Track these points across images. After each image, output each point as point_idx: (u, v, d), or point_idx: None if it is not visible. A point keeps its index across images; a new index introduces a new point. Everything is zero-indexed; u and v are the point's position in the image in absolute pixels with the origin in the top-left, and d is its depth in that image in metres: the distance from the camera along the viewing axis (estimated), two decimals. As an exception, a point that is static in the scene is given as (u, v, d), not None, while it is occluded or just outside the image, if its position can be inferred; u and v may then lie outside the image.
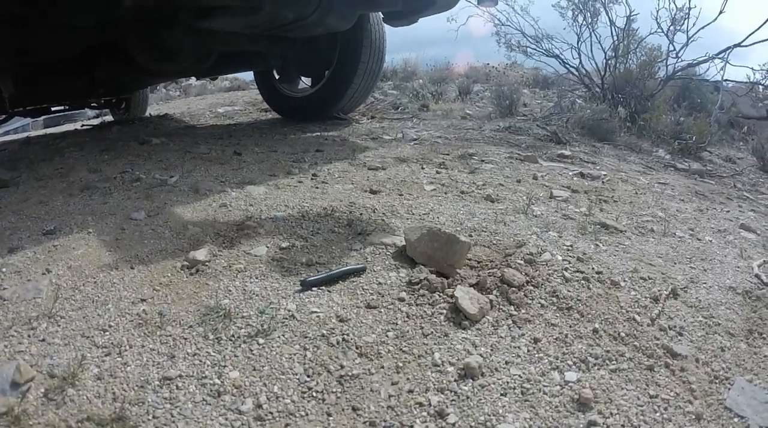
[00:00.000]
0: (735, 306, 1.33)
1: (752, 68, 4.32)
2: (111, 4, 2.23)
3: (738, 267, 1.60)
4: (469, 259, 1.32)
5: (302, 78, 3.99)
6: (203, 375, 0.95)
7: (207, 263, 1.30)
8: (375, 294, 1.15)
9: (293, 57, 3.70)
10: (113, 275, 1.27)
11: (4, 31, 2.44)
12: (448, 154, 2.80)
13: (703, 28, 3.94)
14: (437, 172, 2.32)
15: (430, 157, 2.67)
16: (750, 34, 3.71)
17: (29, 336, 1.08)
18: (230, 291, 1.17)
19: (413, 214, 1.68)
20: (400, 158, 2.61)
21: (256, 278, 1.23)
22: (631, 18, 4.08)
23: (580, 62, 4.50)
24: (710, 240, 1.82)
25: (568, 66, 4.62)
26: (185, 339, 1.04)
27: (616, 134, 3.83)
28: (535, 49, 4.67)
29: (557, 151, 3.13)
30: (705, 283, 1.42)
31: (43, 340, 1.06)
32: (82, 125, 5.00)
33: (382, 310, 1.10)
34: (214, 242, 1.44)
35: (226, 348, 1.00)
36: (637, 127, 3.99)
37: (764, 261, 1.69)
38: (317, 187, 2.00)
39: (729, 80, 4.16)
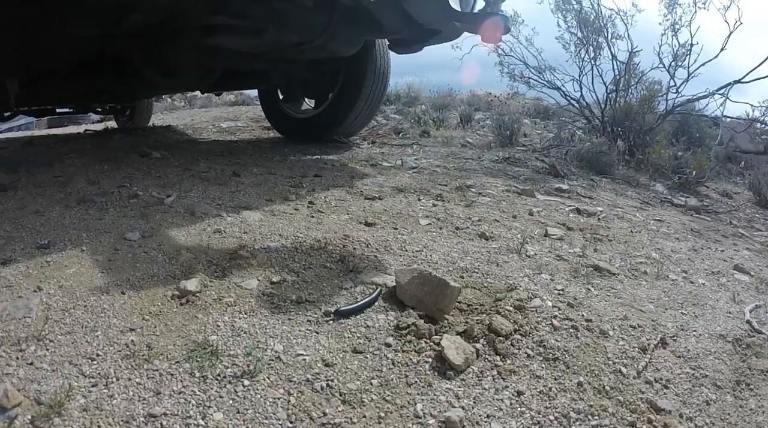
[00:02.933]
0: (724, 356, 1.34)
1: (751, 104, 4.38)
2: (116, 18, 2.27)
3: (730, 312, 1.61)
4: (459, 302, 1.33)
5: (306, 99, 4.05)
6: (188, 414, 0.96)
7: (197, 294, 1.31)
8: (362, 338, 1.16)
9: (297, 78, 3.76)
10: (104, 300, 1.28)
11: (12, 35, 2.49)
12: (445, 185, 2.83)
13: (704, 64, 4.01)
14: (434, 205, 2.34)
15: (427, 188, 2.70)
16: (750, 71, 3.77)
17: (17, 358, 1.08)
18: (219, 326, 1.19)
19: (406, 250, 1.70)
20: (397, 188, 2.63)
21: (245, 314, 1.24)
22: (634, 53, 4.13)
23: (581, 95, 4.56)
24: (703, 283, 1.84)
25: (569, 98, 4.67)
26: (172, 375, 1.05)
27: (614, 167, 3.87)
28: (537, 80, 4.72)
29: (555, 184, 3.16)
30: (695, 331, 1.43)
31: (31, 364, 1.06)
32: (85, 130, 5.04)
33: (368, 356, 1.11)
34: (205, 271, 1.45)
35: (212, 388, 1.01)
36: (636, 161, 4.04)
37: (756, 305, 1.71)
38: (313, 216, 2.01)
39: (728, 116, 4.22)
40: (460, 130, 5.20)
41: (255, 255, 1.55)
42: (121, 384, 1.03)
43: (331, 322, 1.22)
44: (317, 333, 1.17)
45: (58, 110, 4.56)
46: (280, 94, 4.05)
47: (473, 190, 2.79)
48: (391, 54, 3.61)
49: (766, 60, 3.52)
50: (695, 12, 4.03)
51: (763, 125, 4.21)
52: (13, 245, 1.60)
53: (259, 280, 1.41)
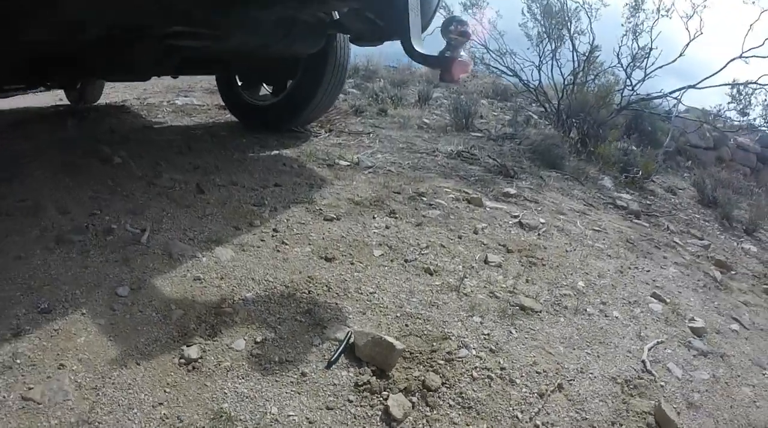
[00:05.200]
0: (608, 398, 1.97)
1: (703, 109, 5.09)
2: (73, 31, 2.59)
3: (630, 351, 2.26)
4: (404, 350, 1.94)
5: (264, 85, 4.48)
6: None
7: (199, 360, 1.83)
8: (332, 396, 1.74)
9: (256, 65, 4.18)
10: (125, 374, 1.72)
11: None
12: (399, 193, 3.40)
13: (661, 67, 4.66)
14: (386, 227, 2.90)
15: (382, 198, 3.26)
16: (704, 79, 4.44)
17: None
18: (225, 393, 1.73)
19: (361, 293, 2.28)
20: (354, 201, 3.18)
21: (242, 378, 1.79)
22: (594, 47, 4.72)
23: (540, 82, 5.14)
24: (617, 317, 2.49)
25: (527, 85, 5.25)
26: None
27: (565, 160, 4.53)
28: (497, 66, 5.27)
29: (504, 187, 3.78)
30: (592, 373, 2.08)
31: None
32: (35, 112, 5.31)
33: (337, 411, 1.70)
34: (197, 330, 1.98)
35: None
36: (587, 153, 4.71)
37: (658, 341, 2.37)
38: (278, 250, 2.55)
39: (680, 116, 4.91)
40: (417, 109, 5.73)
41: (237, 311, 2.09)
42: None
43: (307, 382, 1.82)
44: (299, 393, 1.75)
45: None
46: (238, 80, 4.46)
47: (425, 198, 3.37)
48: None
49: (718, 72, 4.17)
50: (658, 18, 4.63)
51: (711, 126, 4.90)
52: (14, 309, 1.93)
53: (245, 340, 1.94)
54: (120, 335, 1.90)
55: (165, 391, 1.72)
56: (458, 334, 2.09)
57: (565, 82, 5.06)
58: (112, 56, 3.25)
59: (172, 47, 3.17)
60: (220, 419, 1.64)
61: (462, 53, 2.25)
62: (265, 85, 4.51)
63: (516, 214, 3.39)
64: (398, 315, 2.17)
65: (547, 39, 5.13)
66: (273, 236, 2.69)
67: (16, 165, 3.29)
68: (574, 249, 3.08)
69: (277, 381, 1.79)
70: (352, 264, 2.51)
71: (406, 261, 2.60)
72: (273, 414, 1.67)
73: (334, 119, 4.88)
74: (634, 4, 4.74)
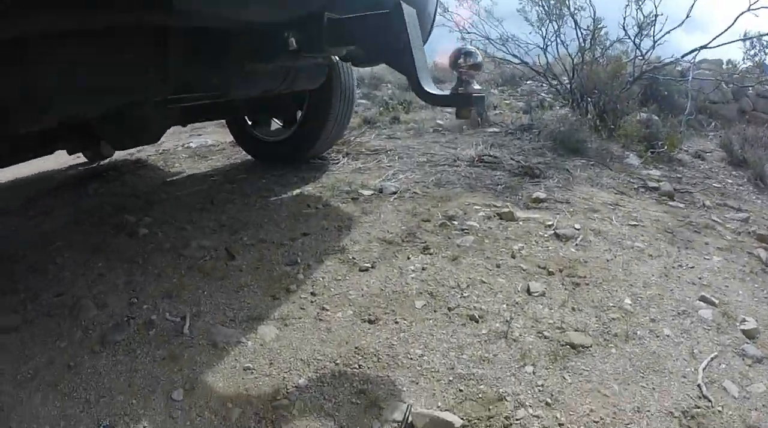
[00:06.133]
0: (668, 436, 1.98)
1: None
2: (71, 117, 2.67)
3: (685, 375, 2.23)
4: (463, 421, 1.96)
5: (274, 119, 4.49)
6: None
7: None
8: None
9: (264, 103, 4.18)
10: None
11: None
12: (428, 221, 3.39)
13: (669, 32, 4.52)
14: (423, 269, 2.89)
15: (412, 231, 3.25)
16: (716, 37, 4.30)
17: None
18: None
19: (411, 358, 2.29)
20: (385, 240, 3.18)
21: None
22: (597, 21, 4.60)
23: (548, 65, 5.04)
24: (668, 335, 2.46)
25: (535, 69, 5.16)
26: None
27: (587, 143, 4.46)
28: (503, 56, 5.18)
29: (532, 192, 3.74)
30: (649, 410, 2.06)
31: None
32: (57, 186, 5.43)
33: None
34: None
35: None
36: (608, 130, 4.62)
37: (711, 357, 2.34)
38: (320, 319, 2.56)
39: (696, 78, 4.78)
40: (429, 111, 5.68)
41: (293, 402, 2.11)
42: None
43: None
44: None
45: None
46: (247, 119, 4.47)
47: (456, 223, 3.35)
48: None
49: (728, 28, 4.04)
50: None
51: (729, 85, 4.77)
52: None
53: None
54: None
55: None
56: (513, 391, 2.09)
57: (574, 61, 4.96)
58: (118, 127, 3.29)
59: (175, 108, 3.19)
60: None
61: (475, 86, 2.18)
62: (275, 119, 4.51)
63: (550, 222, 3.36)
64: (451, 378, 2.18)
65: (547, 19, 5.01)
66: (312, 301, 2.70)
67: (45, 250, 3.36)
68: (615, 257, 3.04)
69: None
70: (396, 323, 2.51)
71: (449, 309, 2.59)
72: None
73: (349, 139, 4.87)
74: (631, -31, 4.60)
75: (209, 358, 2.39)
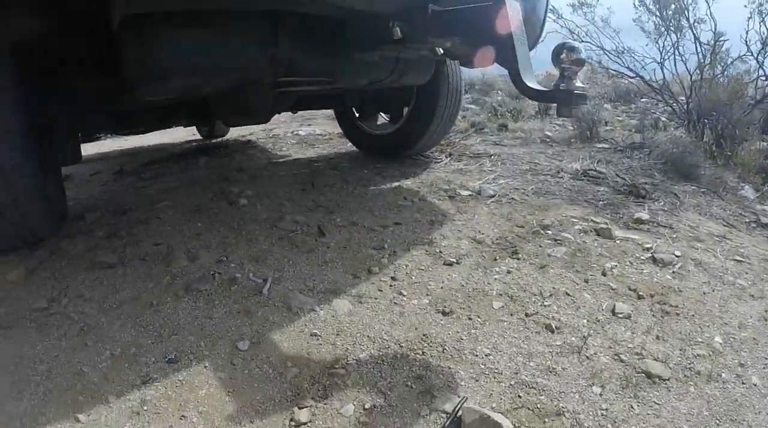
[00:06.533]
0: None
1: None
2: (191, 92, 2.85)
3: (767, 428, 2.06)
4: (514, 425, 1.90)
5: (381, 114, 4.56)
6: None
7: (308, 424, 1.93)
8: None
9: (371, 97, 4.26)
10: None
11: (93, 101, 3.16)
12: (522, 227, 3.31)
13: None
14: (508, 272, 2.84)
15: (504, 235, 3.19)
16: None
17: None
18: None
19: (477, 355, 2.25)
20: (475, 239, 3.14)
21: None
22: (718, 35, 4.30)
23: (664, 80, 4.78)
24: (755, 384, 2.27)
25: (651, 84, 4.90)
26: None
27: (700, 169, 4.17)
28: (616, 69, 4.96)
29: (635, 212, 3.56)
30: (717, 463, 1.92)
31: None
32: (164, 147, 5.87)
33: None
34: (310, 391, 2.06)
35: None
36: (724, 157, 4.31)
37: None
38: (395, 303, 2.58)
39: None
40: (538, 121, 5.55)
41: (349, 373, 2.15)
42: None
43: None
44: None
45: None
46: (355, 111, 4.57)
47: (550, 233, 3.25)
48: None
49: None
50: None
51: None
52: (145, 356, 2.20)
53: (354, 406, 2.00)
54: (238, 390, 2.04)
55: None
56: (573, 409, 2.00)
57: (692, 78, 4.65)
58: (229, 105, 3.46)
59: (285, 93, 3.32)
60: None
61: (578, 83, 2.08)
62: (382, 113, 4.58)
63: (648, 245, 3.18)
64: (512, 383, 2.12)
65: (665, 32, 4.72)
66: (391, 285, 2.72)
67: (152, 207, 3.59)
68: (713, 291, 2.84)
69: None
70: (470, 319, 2.48)
71: (526, 314, 2.52)
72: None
73: (454, 141, 4.84)
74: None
75: (281, 319, 2.47)
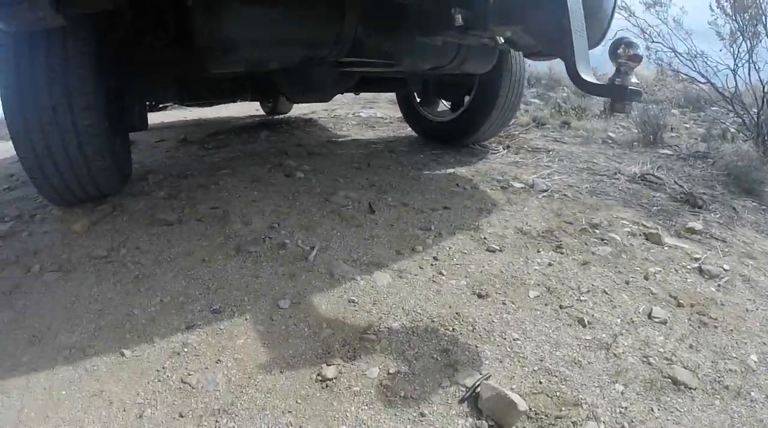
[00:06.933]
0: None
1: None
2: (257, 65, 2.96)
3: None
4: (529, 410, 1.94)
5: (443, 101, 4.61)
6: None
7: (333, 380, 2.03)
8: (447, 448, 1.84)
9: (433, 81, 4.31)
10: (268, 380, 1.99)
11: (166, 71, 3.37)
12: (571, 224, 3.32)
13: None
14: (549, 264, 2.87)
15: (551, 229, 3.22)
16: None
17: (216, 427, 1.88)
18: (347, 416, 1.89)
19: (505, 338, 2.31)
20: (521, 230, 3.18)
21: (366, 406, 1.93)
22: None
23: (736, 89, 4.63)
24: (783, 407, 2.25)
25: (721, 92, 4.75)
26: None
27: (764, 185, 4.04)
28: (687, 72, 4.83)
29: (688, 221, 3.50)
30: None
31: None
32: (230, 120, 6.06)
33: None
34: (340, 351, 2.17)
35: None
36: (792, 175, 4.16)
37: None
38: (434, 281, 2.65)
39: None
40: (602, 121, 5.47)
41: (380, 339, 2.24)
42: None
43: (424, 423, 1.91)
44: None
45: None
46: (416, 96, 4.63)
47: (598, 232, 3.25)
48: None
49: None
50: None
51: None
52: (192, 305, 2.35)
53: (380, 369, 2.09)
54: (273, 343, 2.17)
55: (296, 401, 1.93)
56: (592, 402, 2.03)
57: (765, 89, 4.48)
58: (293, 80, 3.58)
59: (348, 73, 3.41)
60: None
61: (633, 79, 2.09)
62: (443, 101, 4.62)
63: (698, 255, 3.14)
64: (536, 368, 2.16)
65: (741, 37, 4.56)
66: (432, 264, 2.79)
67: (213, 174, 3.76)
68: (757, 309, 2.79)
69: (396, 415, 1.90)
70: (504, 304, 2.53)
71: (560, 306, 2.56)
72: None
73: (513, 133, 4.85)
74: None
75: (322, 284, 2.58)
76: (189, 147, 4.77)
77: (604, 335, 2.40)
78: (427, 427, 1.88)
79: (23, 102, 2.50)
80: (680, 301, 2.71)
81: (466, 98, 4.27)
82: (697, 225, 3.44)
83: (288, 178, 3.75)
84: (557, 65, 7.97)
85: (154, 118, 6.23)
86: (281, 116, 6.63)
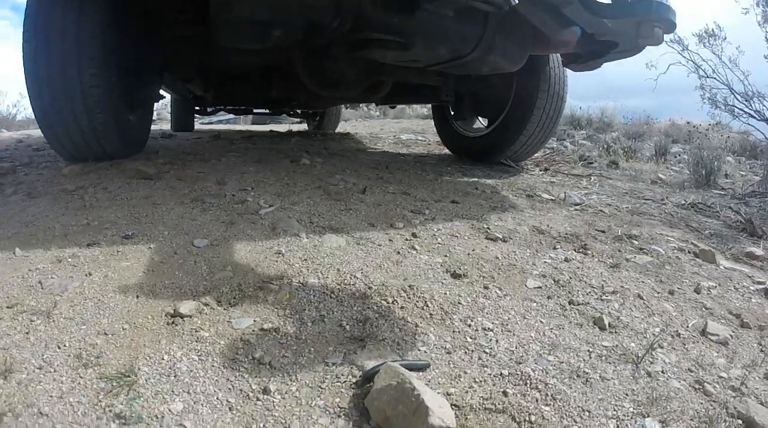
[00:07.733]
0: None
1: None
2: (261, 35, 2.17)
3: None
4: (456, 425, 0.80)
5: (479, 119, 3.57)
6: None
7: (184, 318, 1.08)
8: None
9: (467, 94, 3.31)
10: (117, 300, 1.16)
11: (186, 48, 2.78)
12: (603, 232, 2.13)
13: None
14: (566, 260, 1.71)
15: (577, 233, 2.04)
16: None
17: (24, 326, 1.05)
18: (163, 359, 0.93)
19: (469, 326, 1.17)
20: (539, 229, 2.04)
21: (198, 356, 0.97)
22: None
23: None
24: None
25: None
26: None
27: None
28: (743, 109, 3.51)
29: (747, 247, 2.20)
30: None
31: (27, 333, 1.02)
32: (270, 131, 5.37)
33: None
34: (224, 295, 1.19)
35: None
36: None
37: None
38: (399, 253, 1.58)
39: None
40: (652, 164, 4.16)
41: (280, 290, 1.21)
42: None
43: (258, 402, 0.83)
44: (243, 413, 0.79)
45: (255, 110, 4.90)
46: (451, 110, 3.63)
47: (636, 242, 2.05)
48: (580, 75, 2.95)
49: None
50: None
51: None
52: (108, 230, 1.59)
53: (254, 322, 1.08)
54: (155, 273, 1.32)
55: (123, 328, 1.07)
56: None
57: None
58: (313, 69, 2.72)
59: (363, 63, 2.63)
60: (120, 380, 0.85)
61: None
62: (479, 117, 3.58)
63: (760, 279, 1.85)
64: (505, 374, 1.02)
65: None
66: (407, 239, 1.73)
67: (223, 156, 2.95)
68: None
69: (228, 380, 0.93)
70: (486, 288, 1.40)
71: (570, 302, 1.39)
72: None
73: (555, 161, 3.66)
74: None
75: (257, 234, 1.63)
76: (218, 141, 3.97)
77: (632, 344, 1.21)
78: (259, 410, 0.83)
79: (37, 50, 2.17)
80: (744, 320, 1.47)
81: (501, 115, 3.19)
82: (758, 250, 2.14)
83: (293, 163, 2.82)
84: (610, 108, 6.66)
85: (202, 127, 5.53)
86: (322, 132, 5.78)
